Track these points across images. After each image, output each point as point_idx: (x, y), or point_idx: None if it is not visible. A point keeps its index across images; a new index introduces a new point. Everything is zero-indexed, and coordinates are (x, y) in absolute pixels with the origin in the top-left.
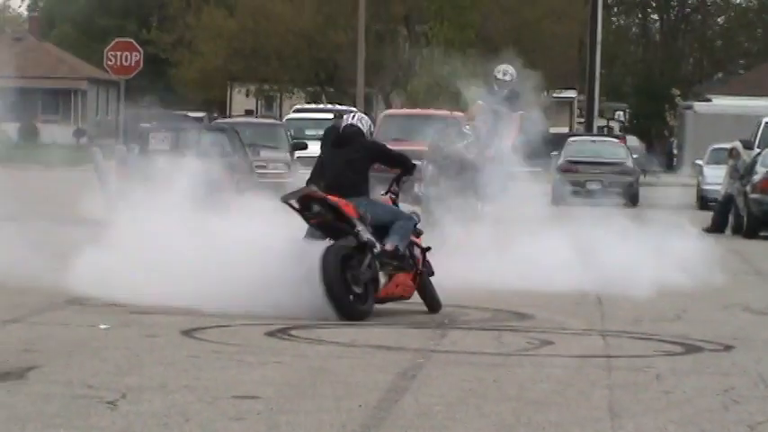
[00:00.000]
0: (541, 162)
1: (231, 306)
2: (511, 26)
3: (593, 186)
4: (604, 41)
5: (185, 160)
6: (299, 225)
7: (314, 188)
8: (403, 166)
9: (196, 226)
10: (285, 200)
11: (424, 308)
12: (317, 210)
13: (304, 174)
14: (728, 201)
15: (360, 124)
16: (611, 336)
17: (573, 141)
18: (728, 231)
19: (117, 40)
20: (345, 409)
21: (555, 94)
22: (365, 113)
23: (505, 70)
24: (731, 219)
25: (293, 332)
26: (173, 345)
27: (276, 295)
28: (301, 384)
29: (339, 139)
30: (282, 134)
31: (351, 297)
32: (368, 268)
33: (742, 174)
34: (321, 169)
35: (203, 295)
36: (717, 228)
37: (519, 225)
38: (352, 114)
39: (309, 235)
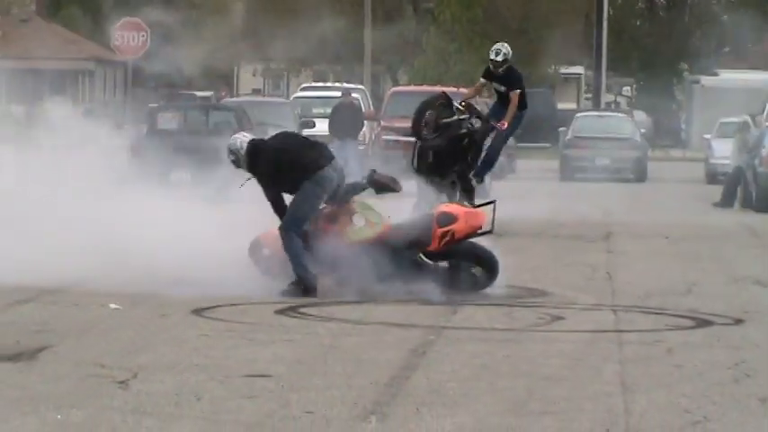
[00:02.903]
0: (549, 138)
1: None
2: (517, 3)
3: (600, 162)
4: (610, 17)
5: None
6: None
7: None
8: None
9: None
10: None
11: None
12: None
13: None
14: (737, 174)
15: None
16: (622, 310)
17: (580, 117)
18: (737, 205)
19: (124, 19)
20: (357, 387)
21: (562, 71)
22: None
23: (498, 50)
24: (739, 192)
25: (303, 310)
26: (183, 324)
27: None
28: (312, 362)
29: (260, 146)
30: (290, 113)
31: None
32: None
33: (750, 147)
34: (281, 173)
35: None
36: (726, 202)
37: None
38: (240, 136)
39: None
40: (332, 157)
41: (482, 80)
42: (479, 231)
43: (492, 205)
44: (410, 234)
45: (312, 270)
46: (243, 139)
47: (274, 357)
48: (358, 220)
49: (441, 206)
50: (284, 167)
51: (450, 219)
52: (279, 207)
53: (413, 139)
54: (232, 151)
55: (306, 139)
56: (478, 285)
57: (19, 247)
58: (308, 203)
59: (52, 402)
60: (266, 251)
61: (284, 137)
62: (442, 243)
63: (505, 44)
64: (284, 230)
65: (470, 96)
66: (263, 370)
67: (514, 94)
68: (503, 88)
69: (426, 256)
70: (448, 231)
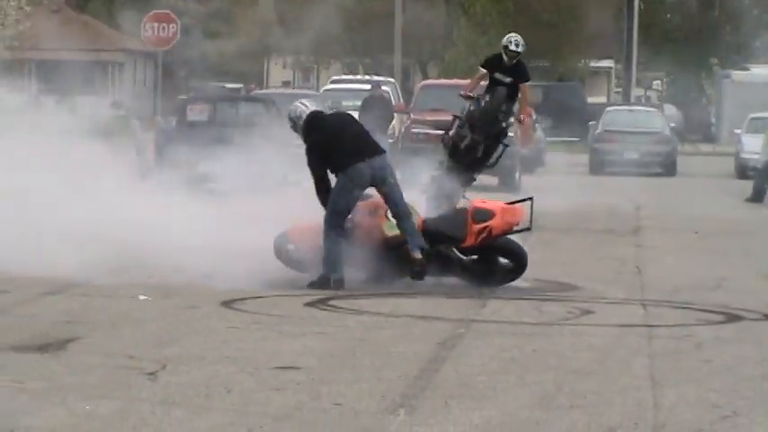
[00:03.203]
0: (579, 132)
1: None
2: None
3: (630, 156)
4: (641, 10)
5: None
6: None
7: None
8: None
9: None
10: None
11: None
12: None
13: None
14: (767, 169)
15: (317, 107)
16: (651, 305)
17: (610, 111)
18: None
19: (154, 11)
20: (386, 379)
21: (592, 64)
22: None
23: (517, 41)
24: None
25: (333, 302)
26: (213, 316)
27: None
28: (342, 355)
29: (318, 119)
30: (320, 105)
31: None
32: None
33: None
34: (323, 153)
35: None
36: (757, 197)
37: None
38: (302, 104)
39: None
40: (375, 153)
41: (483, 70)
42: (516, 228)
43: (529, 202)
44: (445, 229)
45: (340, 271)
46: (303, 108)
47: (303, 350)
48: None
49: (475, 201)
50: (330, 148)
51: (486, 215)
52: (322, 187)
53: (442, 131)
54: (291, 118)
55: (360, 128)
56: (507, 278)
57: (45, 239)
58: (342, 198)
59: (81, 393)
60: (291, 246)
61: (341, 119)
62: (479, 239)
63: (518, 35)
64: (326, 225)
65: (473, 87)
66: (293, 362)
67: (525, 86)
68: (508, 80)
69: (457, 250)
70: (485, 228)
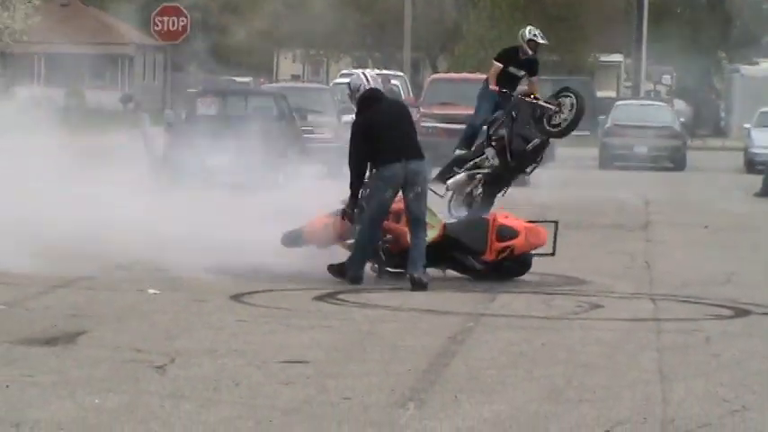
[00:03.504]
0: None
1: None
2: None
3: (639, 150)
4: (650, 4)
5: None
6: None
7: None
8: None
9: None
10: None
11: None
12: None
13: None
14: None
15: (378, 85)
16: (660, 299)
17: (620, 105)
18: None
19: (164, 5)
20: (394, 373)
21: (601, 58)
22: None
23: (542, 33)
24: None
25: (341, 296)
26: (221, 309)
27: None
28: (350, 348)
29: (374, 100)
30: (329, 99)
31: None
32: None
33: None
34: (367, 136)
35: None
36: (767, 191)
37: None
38: (364, 76)
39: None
40: (414, 157)
41: (498, 64)
42: (538, 252)
43: (554, 225)
44: (465, 239)
45: (360, 270)
46: (363, 82)
47: (312, 343)
48: None
49: (500, 216)
50: (373, 135)
51: (511, 234)
52: (357, 171)
53: (451, 125)
54: (350, 87)
55: (410, 127)
56: (512, 275)
57: (49, 233)
58: (375, 200)
59: (89, 387)
60: (303, 244)
61: (397, 110)
62: (499, 257)
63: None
64: (361, 226)
65: (498, 82)
66: (301, 356)
67: (537, 79)
68: (522, 73)
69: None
70: (507, 247)
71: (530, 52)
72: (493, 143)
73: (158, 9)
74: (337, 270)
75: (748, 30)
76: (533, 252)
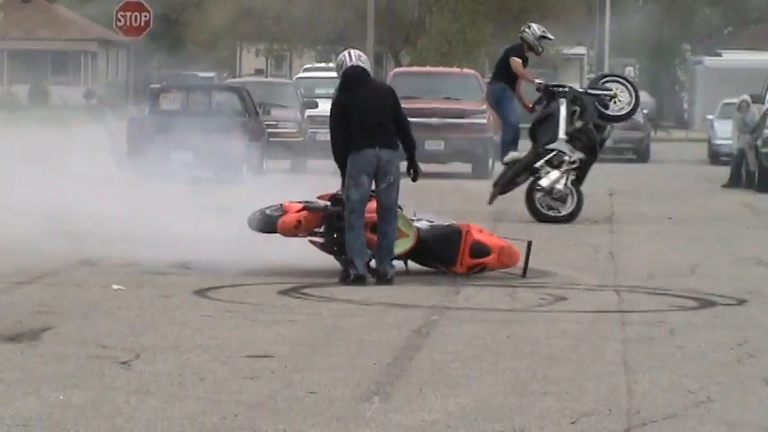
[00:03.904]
0: None
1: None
2: None
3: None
4: None
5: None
6: None
7: None
8: (408, 136)
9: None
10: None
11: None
12: None
13: (314, 132)
14: (742, 155)
15: (363, 64)
16: (625, 291)
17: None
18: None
19: (126, 0)
20: (360, 367)
21: (564, 51)
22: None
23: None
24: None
25: (306, 291)
26: (186, 305)
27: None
28: (315, 343)
29: (354, 81)
30: (293, 93)
31: None
32: None
33: (753, 128)
34: (343, 117)
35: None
36: (734, 183)
37: None
38: (348, 53)
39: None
40: (388, 146)
41: (519, 60)
42: (508, 271)
43: (527, 245)
44: (436, 250)
45: (360, 268)
46: (346, 59)
47: (277, 338)
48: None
49: (474, 230)
50: (350, 116)
51: (484, 251)
52: (337, 151)
53: (415, 119)
54: (337, 63)
55: (390, 115)
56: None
57: (13, 230)
58: (353, 190)
59: (54, 383)
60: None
61: (379, 93)
62: (468, 271)
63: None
64: (347, 214)
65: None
66: (266, 350)
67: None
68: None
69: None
70: (479, 264)
71: (541, 49)
72: (568, 139)
73: (121, 4)
74: (341, 278)
75: (710, 22)
76: (502, 271)
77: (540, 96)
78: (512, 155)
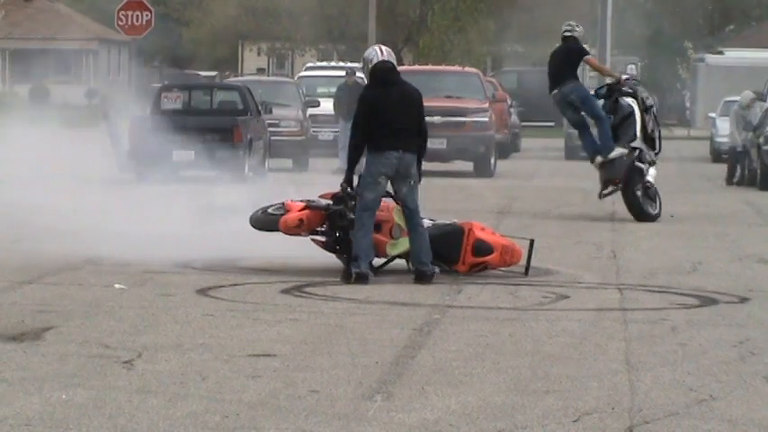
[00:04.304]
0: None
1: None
2: None
3: None
4: None
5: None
6: None
7: None
8: (424, 144)
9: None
10: None
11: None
12: None
13: (316, 131)
14: (741, 152)
15: (393, 60)
16: (627, 289)
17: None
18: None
19: None
20: (362, 366)
21: None
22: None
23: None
24: (739, 169)
25: (308, 289)
26: (188, 304)
27: None
28: (317, 341)
29: (384, 78)
30: (295, 92)
31: None
32: None
33: (755, 126)
34: (371, 114)
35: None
36: (733, 179)
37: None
38: (379, 49)
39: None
40: (410, 150)
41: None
42: (510, 270)
43: (529, 243)
44: (438, 248)
45: (363, 267)
46: (377, 54)
47: (279, 337)
48: (396, 232)
49: (477, 229)
50: (377, 113)
51: (487, 250)
52: (356, 144)
53: None
54: (365, 59)
55: (418, 119)
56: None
57: (15, 229)
58: (369, 190)
59: (57, 382)
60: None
61: (408, 96)
62: (471, 270)
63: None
64: (356, 219)
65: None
66: (268, 349)
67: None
68: None
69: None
70: (481, 263)
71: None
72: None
73: (122, 3)
74: (343, 276)
75: (712, 19)
76: (505, 269)
77: (606, 89)
78: (618, 150)
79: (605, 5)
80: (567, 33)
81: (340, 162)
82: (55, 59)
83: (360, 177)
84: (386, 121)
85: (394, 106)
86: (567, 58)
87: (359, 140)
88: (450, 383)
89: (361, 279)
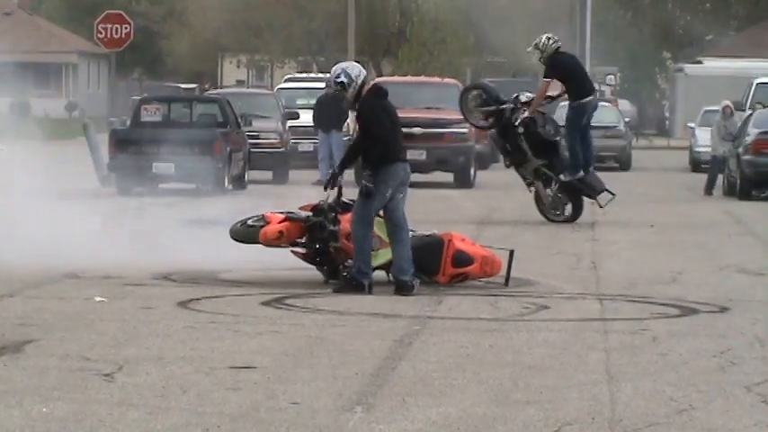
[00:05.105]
0: None
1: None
2: None
3: None
4: (594, 4)
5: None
6: None
7: None
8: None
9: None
10: None
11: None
12: None
13: (296, 143)
14: (721, 161)
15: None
16: (607, 299)
17: (564, 106)
18: (719, 192)
19: (107, 12)
20: (342, 377)
21: None
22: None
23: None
24: (720, 179)
25: (288, 301)
26: (168, 316)
27: None
28: (298, 353)
29: (385, 93)
30: (274, 104)
31: None
32: None
33: (734, 136)
34: (392, 125)
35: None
36: (709, 189)
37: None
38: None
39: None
40: (406, 159)
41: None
42: (490, 281)
43: (509, 254)
44: (418, 260)
45: (369, 276)
46: (362, 71)
47: (260, 349)
48: (375, 244)
49: (455, 240)
50: (392, 125)
51: (467, 261)
52: (355, 155)
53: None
54: (349, 74)
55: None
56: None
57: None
58: (375, 200)
59: (38, 395)
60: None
61: (395, 112)
62: (451, 282)
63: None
64: (355, 226)
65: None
66: (249, 361)
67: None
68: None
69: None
70: (461, 274)
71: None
72: None
73: (101, 16)
74: (340, 288)
75: (691, 29)
76: (485, 280)
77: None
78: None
79: (584, 17)
80: (559, 44)
81: (320, 174)
82: (35, 73)
83: (362, 186)
84: (395, 133)
85: (396, 118)
86: (582, 69)
87: (382, 150)
88: (431, 395)
89: (360, 288)
